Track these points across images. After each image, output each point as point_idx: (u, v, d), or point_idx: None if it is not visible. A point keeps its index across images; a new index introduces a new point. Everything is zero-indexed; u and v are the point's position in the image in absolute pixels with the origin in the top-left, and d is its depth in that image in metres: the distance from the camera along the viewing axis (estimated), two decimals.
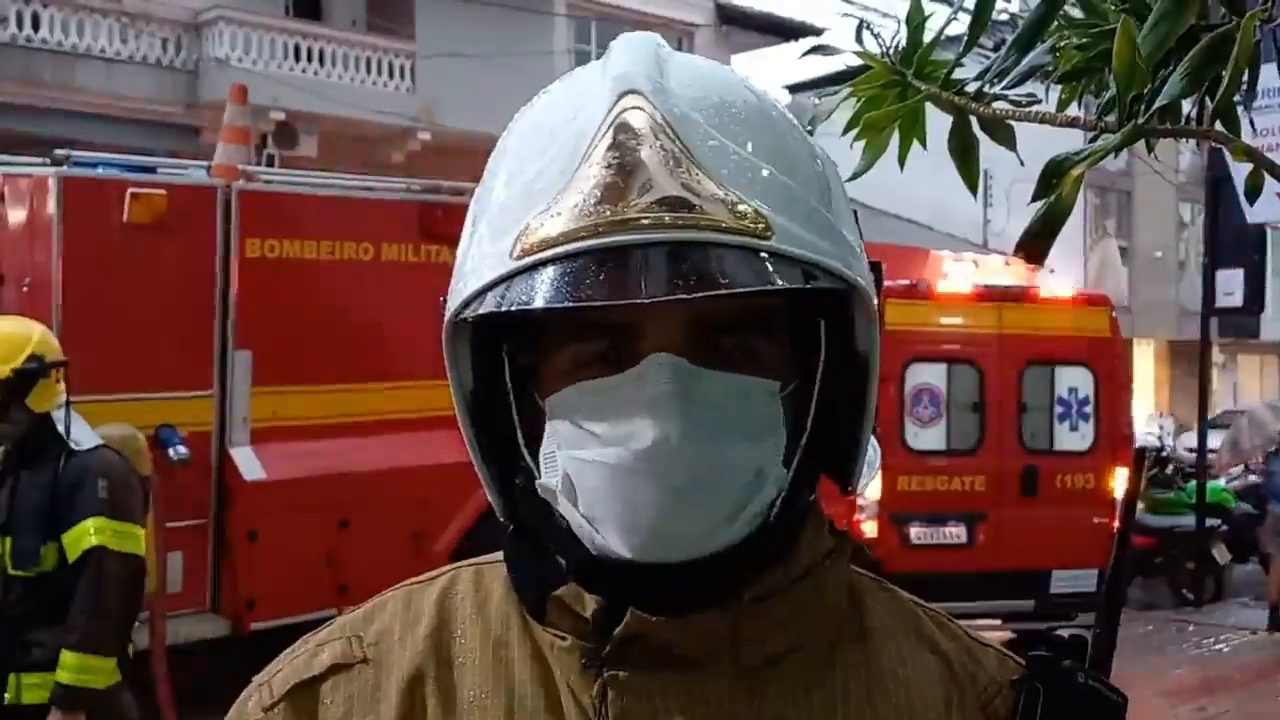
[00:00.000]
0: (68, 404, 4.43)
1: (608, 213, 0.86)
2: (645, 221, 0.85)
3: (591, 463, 0.91)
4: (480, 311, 0.91)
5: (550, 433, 0.95)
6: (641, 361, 0.90)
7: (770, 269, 0.87)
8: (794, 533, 0.97)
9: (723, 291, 0.84)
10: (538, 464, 0.96)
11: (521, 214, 0.90)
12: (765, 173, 0.90)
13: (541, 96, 0.99)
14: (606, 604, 0.93)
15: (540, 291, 0.87)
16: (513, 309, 0.88)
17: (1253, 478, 14.29)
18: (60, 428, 4.38)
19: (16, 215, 7.02)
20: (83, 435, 4.44)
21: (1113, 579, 1.00)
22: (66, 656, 4.15)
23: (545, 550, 0.97)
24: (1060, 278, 17.74)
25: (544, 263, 0.87)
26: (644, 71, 0.91)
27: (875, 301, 0.95)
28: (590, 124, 0.90)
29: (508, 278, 0.89)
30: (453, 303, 0.94)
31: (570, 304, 0.85)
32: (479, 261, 0.92)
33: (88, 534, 4.21)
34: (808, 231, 0.90)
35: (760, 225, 0.87)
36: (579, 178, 0.88)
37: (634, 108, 0.89)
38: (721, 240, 0.86)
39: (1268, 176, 1.17)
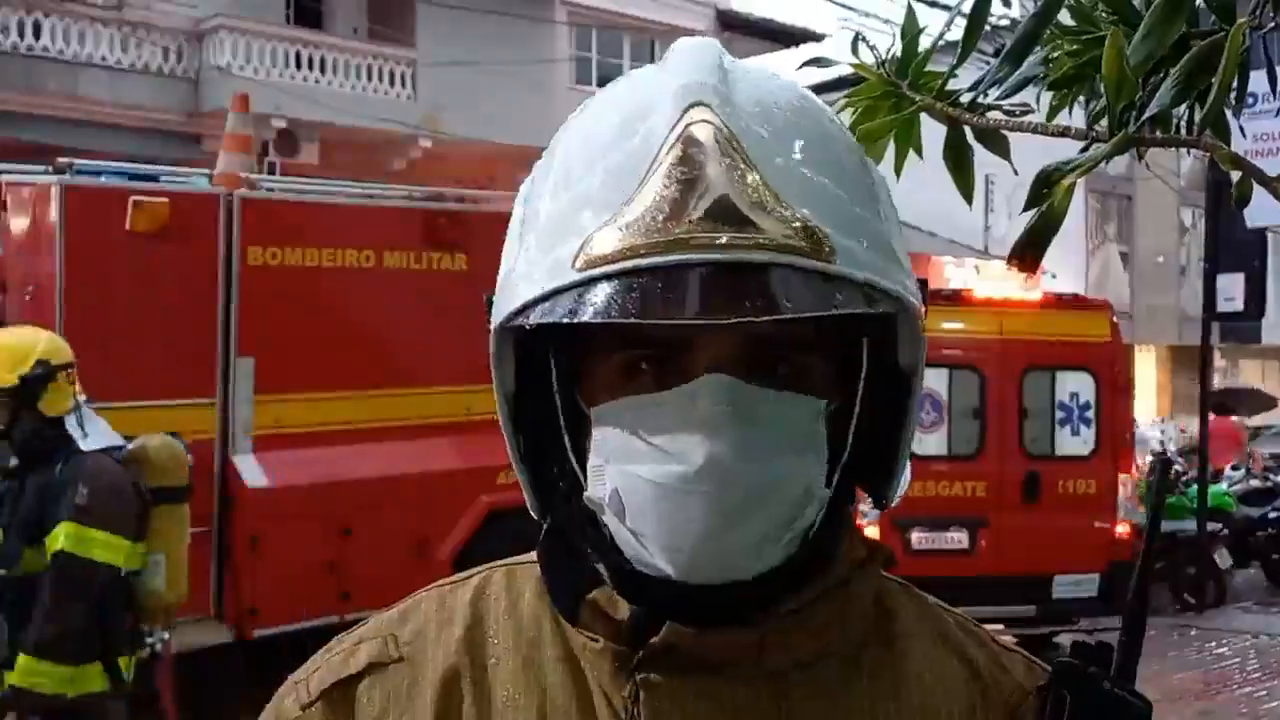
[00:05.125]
0: (77, 406, 4.46)
1: (673, 229, 0.85)
2: (710, 240, 0.84)
3: (641, 479, 0.90)
4: (537, 320, 0.89)
5: (598, 443, 0.94)
6: (695, 379, 0.89)
7: (833, 292, 0.86)
8: (832, 546, 0.98)
9: (785, 316, 0.83)
10: (584, 471, 0.96)
11: (581, 223, 0.89)
12: (827, 189, 0.89)
13: (594, 104, 0.98)
14: (643, 612, 0.94)
15: (604, 305, 0.85)
16: (577, 320, 0.86)
17: (1254, 482, 14.29)
18: (71, 430, 4.41)
19: (19, 224, 7.05)
20: (93, 437, 4.47)
21: (1138, 587, 0.99)
22: (20, 658, 4.21)
23: (579, 553, 0.98)
24: (1061, 283, 17.75)
25: (607, 276, 0.86)
26: (710, 82, 0.90)
27: (923, 319, 0.95)
28: (657, 135, 0.88)
29: (568, 288, 0.88)
30: (503, 308, 0.93)
31: (636, 320, 0.84)
32: (531, 268, 0.91)
33: (56, 539, 4.25)
34: (868, 251, 0.89)
35: (825, 247, 0.86)
36: (645, 190, 0.87)
37: (701, 120, 0.87)
38: (786, 261, 0.85)
39: (1256, 184, 1.19)
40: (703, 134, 0.87)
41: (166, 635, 4.94)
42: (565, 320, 0.87)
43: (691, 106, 0.88)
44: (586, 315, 0.86)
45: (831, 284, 0.86)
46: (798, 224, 0.86)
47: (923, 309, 0.94)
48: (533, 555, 1.05)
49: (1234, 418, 17.47)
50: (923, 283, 0.99)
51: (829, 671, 0.97)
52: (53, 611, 4.23)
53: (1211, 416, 15.88)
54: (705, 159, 0.86)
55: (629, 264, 0.85)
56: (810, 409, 0.92)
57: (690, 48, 0.95)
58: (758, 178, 0.86)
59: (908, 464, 1.02)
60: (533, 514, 1.04)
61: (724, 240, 0.84)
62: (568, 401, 0.97)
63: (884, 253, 0.91)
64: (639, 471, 0.90)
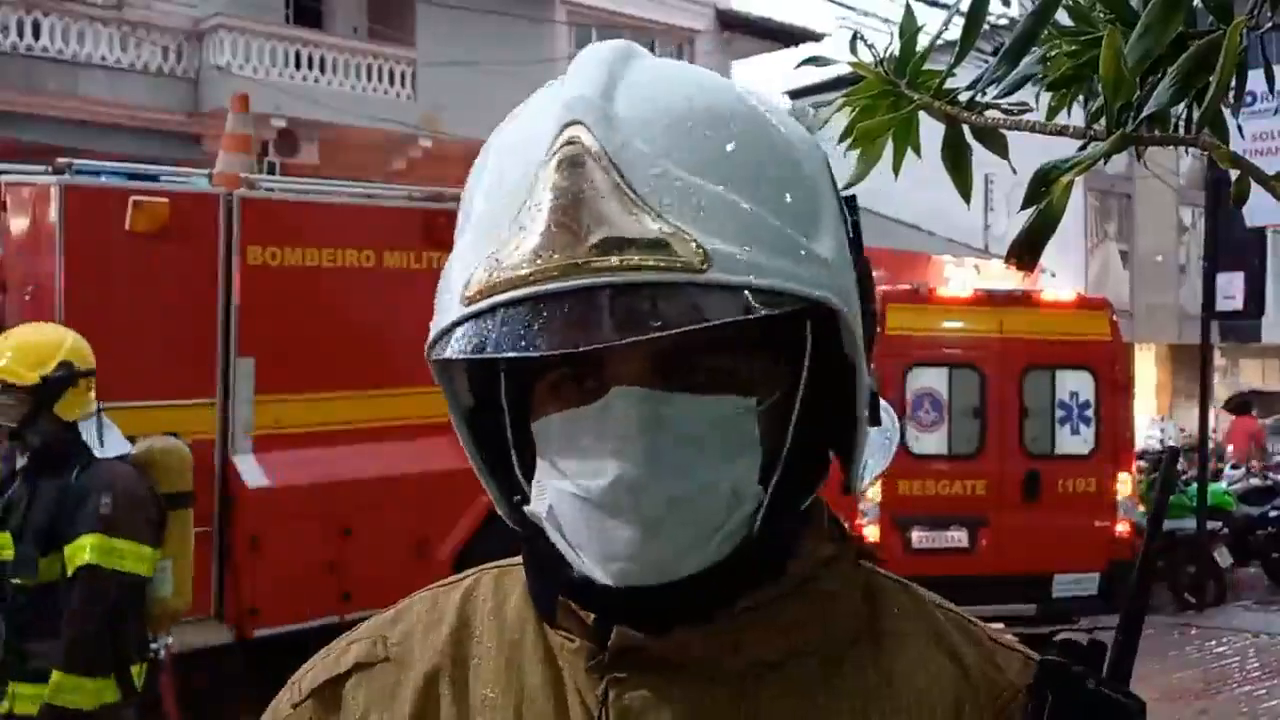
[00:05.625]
0: (98, 413, 4.42)
1: (540, 259, 0.85)
2: (587, 265, 0.84)
3: (568, 495, 0.92)
4: (441, 356, 0.91)
5: (539, 459, 0.96)
6: (607, 393, 0.90)
7: (703, 304, 0.84)
8: (785, 541, 0.97)
9: (653, 335, 0.83)
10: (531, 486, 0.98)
11: (477, 253, 0.90)
12: (713, 196, 0.87)
13: (512, 116, 0.97)
14: (600, 617, 0.96)
15: (484, 339, 0.87)
16: (458, 358, 0.89)
17: (1254, 480, 14.29)
18: (86, 437, 4.37)
19: (19, 224, 7.05)
20: (109, 446, 4.43)
21: (1138, 584, 0.98)
22: (54, 674, 4.15)
23: (554, 556, 0.99)
24: (1061, 282, 17.76)
25: (491, 309, 0.87)
26: (591, 97, 0.88)
27: (853, 306, 0.93)
28: (535, 158, 0.88)
29: (460, 322, 0.89)
30: (430, 337, 0.94)
31: (508, 354, 0.85)
32: (444, 299, 0.93)
33: (82, 550, 4.19)
34: (759, 253, 0.87)
35: (698, 257, 0.85)
36: (522, 217, 0.87)
37: (574, 141, 0.87)
38: (654, 279, 0.84)
39: (1255, 183, 1.19)
40: (577, 154, 0.87)
41: (169, 640, 4.93)
42: (449, 358, 0.89)
43: (568, 125, 0.88)
44: (463, 352, 0.88)
45: (703, 295, 0.85)
46: (671, 236, 0.85)
47: (838, 303, 0.91)
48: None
49: (1257, 417, 17.51)
50: (865, 267, 0.97)
51: (806, 670, 0.97)
52: (81, 626, 4.19)
53: (1234, 417, 15.97)
54: (576, 182, 0.86)
55: (502, 297, 0.86)
56: (735, 408, 0.92)
57: (584, 59, 0.93)
58: (630, 194, 0.86)
59: (895, 429, 1.02)
60: (507, 522, 1.05)
61: (595, 264, 0.84)
62: (518, 416, 0.99)
63: (782, 251, 0.88)
64: (565, 487, 0.92)
